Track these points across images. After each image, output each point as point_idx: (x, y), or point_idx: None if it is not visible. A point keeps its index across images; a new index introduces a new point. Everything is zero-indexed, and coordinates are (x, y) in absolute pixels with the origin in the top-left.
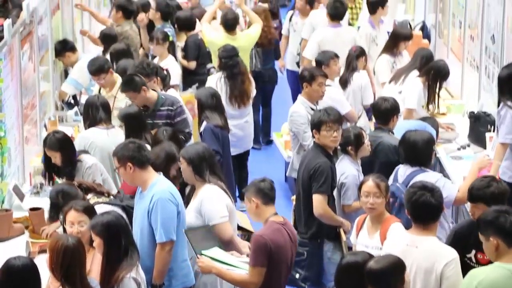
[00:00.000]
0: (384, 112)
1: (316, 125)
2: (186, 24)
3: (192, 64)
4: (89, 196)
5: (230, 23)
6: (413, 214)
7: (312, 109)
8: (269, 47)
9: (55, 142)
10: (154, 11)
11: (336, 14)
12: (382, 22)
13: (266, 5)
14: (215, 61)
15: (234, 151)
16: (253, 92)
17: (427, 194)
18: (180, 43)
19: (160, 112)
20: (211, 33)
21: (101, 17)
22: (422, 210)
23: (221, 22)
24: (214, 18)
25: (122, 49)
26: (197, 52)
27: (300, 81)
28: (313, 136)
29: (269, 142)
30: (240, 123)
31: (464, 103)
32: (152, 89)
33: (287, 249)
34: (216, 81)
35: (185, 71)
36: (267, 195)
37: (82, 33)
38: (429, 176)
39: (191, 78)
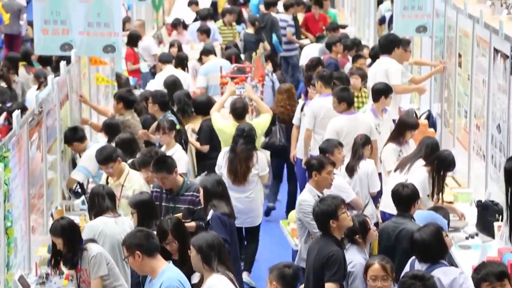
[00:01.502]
0: (405, 199)
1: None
2: (203, 108)
3: (205, 148)
4: None
5: (238, 112)
6: None
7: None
8: (292, 124)
9: (59, 228)
10: (152, 104)
11: (352, 102)
12: (386, 111)
13: (289, 85)
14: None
15: (236, 223)
16: (263, 171)
17: (417, 284)
18: (194, 126)
19: (184, 197)
20: (220, 122)
21: (101, 108)
22: None
23: (230, 111)
24: (223, 106)
25: (128, 138)
26: (210, 136)
27: (308, 170)
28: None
29: None
30: (241, 197)
31: (472, 192)
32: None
33: None
34: (222, 155)
35: (198, 155)
36: (289, 284)
37: (83, 122)
38: (448, 272)
39: (204, 162)
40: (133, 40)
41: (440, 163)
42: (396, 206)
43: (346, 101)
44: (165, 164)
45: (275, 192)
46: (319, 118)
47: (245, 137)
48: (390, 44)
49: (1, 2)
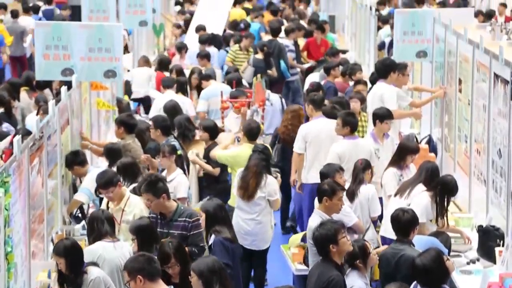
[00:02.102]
0: (404, 224)
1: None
2: (210, 133)
3: (217, 171)
4: None
5: (254, 132)
6: None
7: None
8: (291, 145)
9: (62, 248)
10: (154, 129)
11: (356, 127)
12: (388, 136)
13: (298, 106)
14: (234, 174)
15: (244, 244)
16: (271, 196)
17: None
18: (198, 151)
19: (177, 222)
20: (233, 149)
21: (102, 143)
22: None
23: (245, 132)
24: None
25: (129, 162)
26: (216, 160)
27: (319, 195)
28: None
29: (289, 230)
30: (248, 219)
31: (472, 217)
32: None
33: None
34: (238, 176)
35: (208, 179)
36: None
37: (83, 147)
38: None
39: (214, 185)
40: (164, 64)
41: (443, 188)
42: (395, 232)
43: (350, 125)
44: (154, 187)
45: None
46: (309, 141)
47: (260, 152)
48: (385, 69)
49: (5, 25)
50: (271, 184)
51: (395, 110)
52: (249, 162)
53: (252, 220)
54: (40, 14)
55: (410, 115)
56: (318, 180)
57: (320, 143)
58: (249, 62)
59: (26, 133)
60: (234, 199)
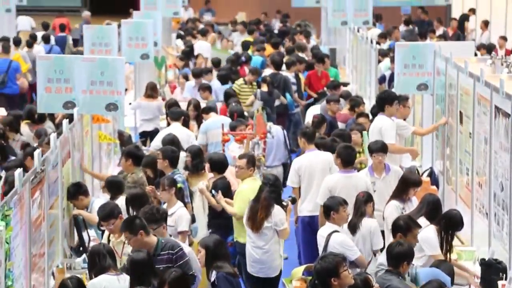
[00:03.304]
0: (395, 256)
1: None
2: (218, 166)
3: (220, 206)
4: None
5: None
6: None
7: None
8: None
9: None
10: (162, 160)
11: (349, 161)
12: (389, 170)
13: None
14: (243, 208)
15: (251, 272)
16: (278, 226)
17: None
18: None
19: (160, 256)
20: (244, 185)
21: (102, 175)
22: None
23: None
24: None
25: (138, 193)
26: (227, 194)
27: (393, 230)
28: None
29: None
30: (256, 247)
31: (475, 250)
32: (154, 235)
33: None
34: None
35: (212, 213)
36: None
37: (84, 170)
38: None
39: (217, 220)
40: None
41: (447, 223)
42: (387, 262)
43: (341, 157)
44: (130, 225)
45: None
46: (302, 175)
47: (271, 185)
48: (381, 102)
49: (20, 52)
50: (277, 214)
51: (393, 144)
52: (260, 194)
53: (260, 249)
54: (52, 41)
55: (408, 151)
56: (310, 213)
57: (313, 176)
58: (256, 96)
59: (20, 164)
60: (239, 230)
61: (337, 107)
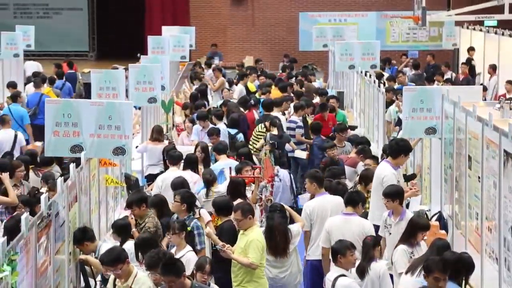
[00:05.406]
0: None
1: None
2: (224, 209)
3: None
4: None
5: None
6: None
7: None
8: None
9: None
10: (179, 203)
11: (348, 202)
12: (403, 216)
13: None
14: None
15: None
16: (292, 245)
17: None
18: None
19: None
20: (250, 235)
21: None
22: None
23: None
24: None
25: (148, 238)
26: (233, 237)
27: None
28: None
29: None
30: (278, 271)
31: None
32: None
33: None
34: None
35: (216, 256)
36: None
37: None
38: None
39: (220, 264)
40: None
41: (460, 267)
42: None
43: (346, 200)
44: (174, 268)
45: None
46: (314, 219)
47: (280, 211)
48: (398, 149)
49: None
50: (293, 231)
51: None
52: (271, 222)
53: (280, 273)
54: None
55: (409, 196)
56: (319, 257)
57: (324, 220)
58: (266, 139)
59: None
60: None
61: (333, 153)
